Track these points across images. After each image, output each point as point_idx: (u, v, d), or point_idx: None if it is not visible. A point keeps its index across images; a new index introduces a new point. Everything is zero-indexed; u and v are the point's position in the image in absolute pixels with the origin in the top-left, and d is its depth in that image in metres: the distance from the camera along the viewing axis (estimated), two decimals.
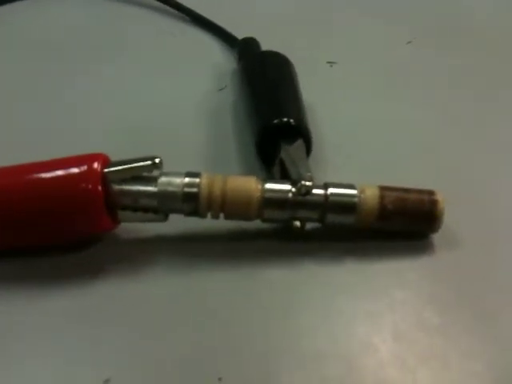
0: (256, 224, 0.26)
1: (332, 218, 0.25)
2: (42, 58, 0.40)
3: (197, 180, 0.24)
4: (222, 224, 0.26)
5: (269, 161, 0.29)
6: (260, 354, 0.22)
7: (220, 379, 0.21)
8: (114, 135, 0.33)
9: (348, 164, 0.31)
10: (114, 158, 0.25)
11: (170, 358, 0.22)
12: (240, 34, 0.40)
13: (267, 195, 0.25)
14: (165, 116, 0.35)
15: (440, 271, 0.25)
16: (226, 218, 0.25)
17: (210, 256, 0.26)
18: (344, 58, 0.40)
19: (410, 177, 0.28)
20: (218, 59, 0.40)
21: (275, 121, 0.28)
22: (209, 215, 0.25)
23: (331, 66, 0.39)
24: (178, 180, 0.24)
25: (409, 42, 0.41)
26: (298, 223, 0.26)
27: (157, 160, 0.24)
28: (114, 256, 0.26)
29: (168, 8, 0.46)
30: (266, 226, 0.26)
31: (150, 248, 0.26)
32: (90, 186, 0.23)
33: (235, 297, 0.24)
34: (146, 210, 0.25)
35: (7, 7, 0.46)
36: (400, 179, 0.26)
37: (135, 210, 0.25)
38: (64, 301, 0.24)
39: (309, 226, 0.26)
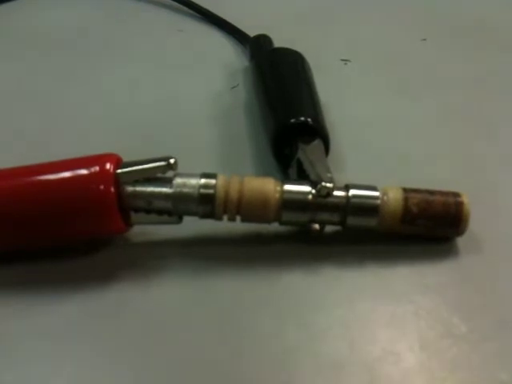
0: (273, 227, 0.25)
1: (353, 220, 0.24)
2: (46, 57, 0.39)
3: (213, 181, 0.23)
4: (237, 227, 0.25)
5: (285, 161, 0.28)
6: (277, 360, 0.21)
7: None
8: (124, 135, 0.32)
9: (359, 162, 0.30)
10: (123, 158, 0.24)
11: (184, 363, 0.21)
12: (249, 32, 0.39)
13: (286, 197, 0.24)
14: (175, 115, 0.34)
15: (465, 276, 0.24)
16: (243, 220, 0.24)
17: (225, 260, 0.25)
18: (355, 55, 0.39)
19: (424, 176, 0.27)
20: (230, 57, 0.39)
21: (292, 120, 0.27)
22: (225, 218, 0.24)
23: (345, 63, 0.38)
24: (193, 181, 0.23)
25: (423, 40, 0.40)
26: (316, 226, 0.25)
27: (171, 161, 0.23)
28: (126, 259, 0.25)
29: (178, 5, 0.45)
30: (283, 228, 0.25)
31: (162, 251, 0.25)
32: (102, 188, 0.22)
33: (251, 301, 0.23)
34: (159, 212, 0.24)
35: (8, 5, 0.45)
36: (414, 179, 0.25)
37: (148, 211, 0.24)
38: (74, 305, 0.23)
39: (328, 228, 0.25)
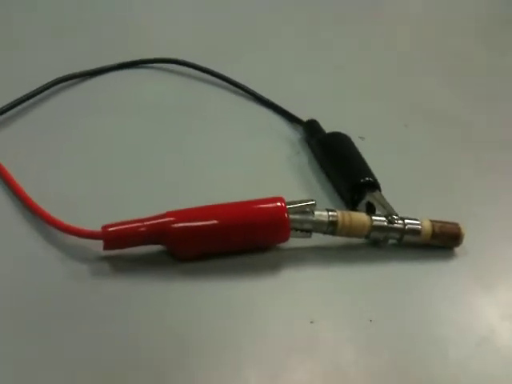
0: (351, 240, 0.44)
1: (407, 238, 0.44)
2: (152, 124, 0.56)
3: (335, 213, 0.42)
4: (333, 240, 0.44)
5: (353, 204, 0.47)
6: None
7: None
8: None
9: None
10: None
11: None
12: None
13: (374, 224, 0.43)
14: (257, 180, 0.51)
15: (462, 269, 0.45)
16: (347, 236, 0.43)
17: (344, 258, 0.43)
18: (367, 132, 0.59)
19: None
20: (285, 131, 0.58)
21: (362, 180, 0.47)
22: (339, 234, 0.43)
23: (362, 139, 0.58)
24: (324, 213, 0.42)
25: (405, 125, 0.62)
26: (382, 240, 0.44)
27: (313, 202, 0.42)
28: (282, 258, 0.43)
29: (231, 87, 0.63)
30: (356, 240, 0.44)
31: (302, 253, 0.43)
32: (283, 216, 0.41)
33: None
34: (305, 230, 0.42)
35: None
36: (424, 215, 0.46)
37: (298, 230, 0.42)
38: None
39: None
